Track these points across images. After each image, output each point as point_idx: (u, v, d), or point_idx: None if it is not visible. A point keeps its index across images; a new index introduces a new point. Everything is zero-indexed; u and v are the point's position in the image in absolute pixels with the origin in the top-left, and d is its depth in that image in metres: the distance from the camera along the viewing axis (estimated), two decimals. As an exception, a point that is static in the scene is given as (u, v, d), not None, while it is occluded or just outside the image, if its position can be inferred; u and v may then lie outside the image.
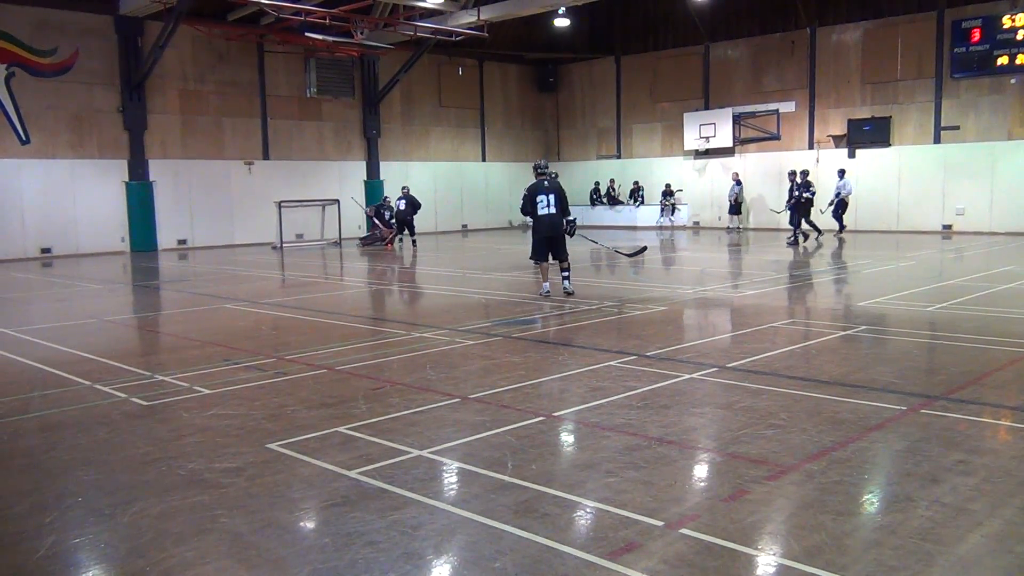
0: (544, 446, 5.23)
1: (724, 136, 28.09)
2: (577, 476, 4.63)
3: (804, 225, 21.38)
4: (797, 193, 21.25)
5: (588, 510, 4.15)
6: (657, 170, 30.67)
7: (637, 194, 30.30)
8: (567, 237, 11.71)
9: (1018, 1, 22.52)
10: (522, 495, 4.32)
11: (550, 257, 11.85)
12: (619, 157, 32.15)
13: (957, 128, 23.97)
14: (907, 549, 3.60)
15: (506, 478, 4.58)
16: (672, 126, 30.12)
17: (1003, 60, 22.81)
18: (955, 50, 23.61)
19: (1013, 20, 22.53)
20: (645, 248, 13.30)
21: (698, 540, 3.73)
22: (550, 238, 11.65)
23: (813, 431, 5.33)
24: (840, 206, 23.01)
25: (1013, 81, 22.98)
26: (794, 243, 20.79)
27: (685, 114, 29.25)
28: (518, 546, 3.71)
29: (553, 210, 11.49)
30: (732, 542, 3.70)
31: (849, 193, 23.14)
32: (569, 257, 11.90)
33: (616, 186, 31.38)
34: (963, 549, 3.62)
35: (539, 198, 11.53)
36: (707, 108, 29.01)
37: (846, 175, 23.26)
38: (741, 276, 14.44)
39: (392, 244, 23.55)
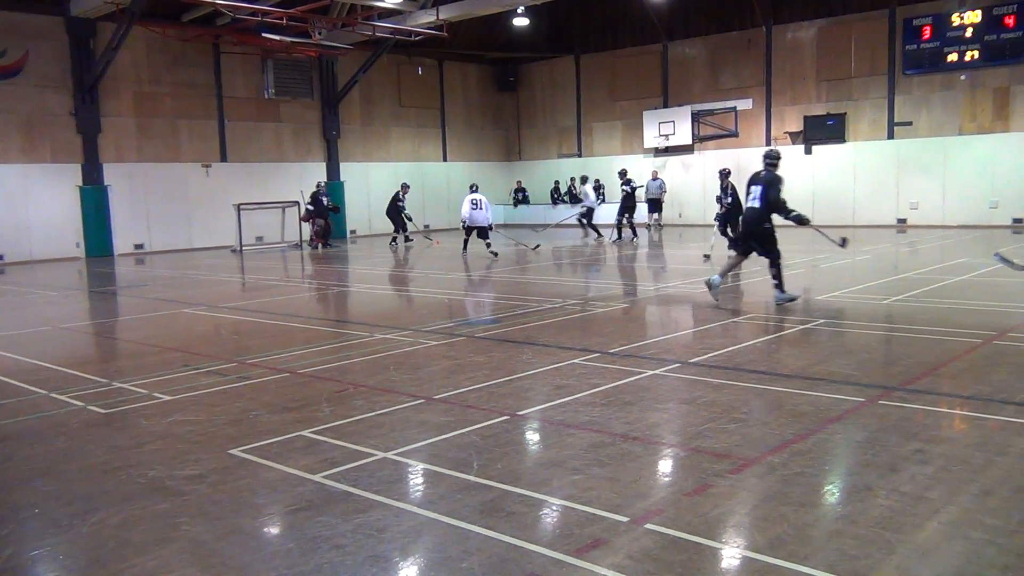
0: (509, 445, 5.23)
1: (683, 134, 28.30)
2: (543, 474, 4.65)
3: (623, 221, 22.61)
4: (627, 189, 22.74)
5: (554, 508, 4.16)
6: (618, 168, 30.76)
7: (598, 192, 30.38)
8: (770, 232, 10.48)
9: (965, 0, 23.03)
10: (488, 495, 4.32)
11: (753, 253, 10.84)
12: (580, 156, 32.26)
13: (910, 124, 24.42)
14: (867, 538, 3.67)
15: (472, 478, 4.57)
16: (632, 124, 30.29)
17: (953, 57, 23.30)
18: (907, 47, 24.06)
19: (962, 18, 23.03)
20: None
21: (663, 535, 3.76)
22: (748, 232, 10.75)
23: (774, 424, 5.40)
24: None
25: (963, 77, 23.48)
26: (618, 239, 22.18)
27: (644, 112, 29.42)
28: (485, 546, 3.71)
29: (756, 204, 10.51)
30: (696, 536, 3.74)
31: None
32: (779, 260, 10.51)
33: (577, 184, 31.44)
34: (921, 536, 3.69)
35: (751, 189, 10.69)
36: (666, 106, 29.23)
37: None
38: (700, 272, 14.55)
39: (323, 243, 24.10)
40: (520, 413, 5.92)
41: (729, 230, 17.22)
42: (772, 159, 10.70)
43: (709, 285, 10.78)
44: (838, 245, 11.32)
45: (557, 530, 3.92)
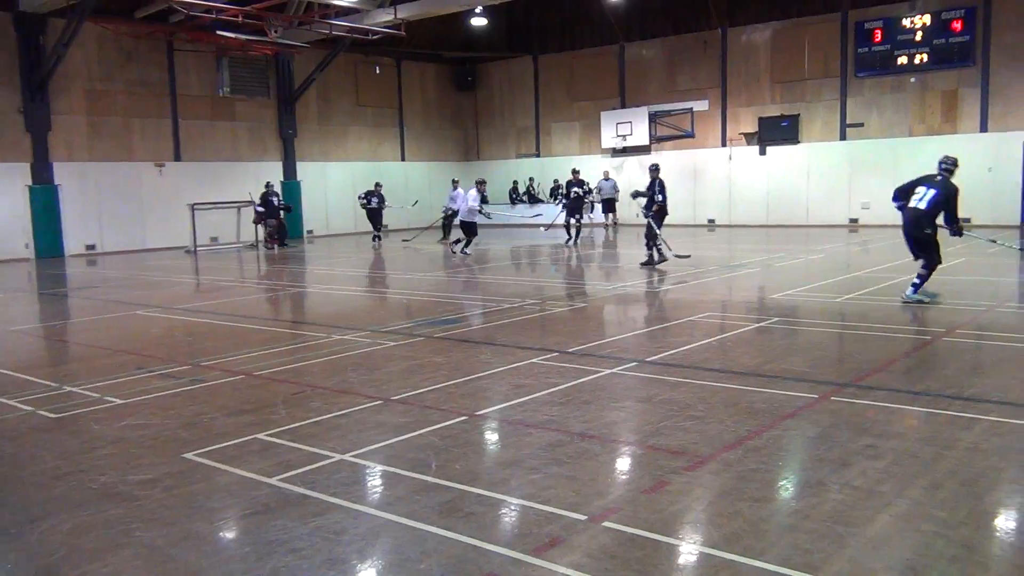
0: (468, 445, 5.23)
1: (640, 134, 28.54)
2: (501, 474, 4.65)
3: (573, 220, 22.38)
4: (579, 191, 22.83)
5: (512, 507, 4.17)
6: (576, 168, 30.93)
7: (557, 192, 30.52)
8: (937, 238, 10.23)
9: (916, 3, 23.52)
10: (446, 495, 4.32)
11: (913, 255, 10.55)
12: (538, 156, 32.34)
13: (861, 125, 24.89)
14: (820, 532, 3.73)
15: (430, 479, 4.56)
16: (590, 125, 30.45)
17: (903, 60, 23.80)
18: (859, 50, 24.52)
19: (912, 22, 23.53)
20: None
21: (621, 532, 3.79)
22: (907, 234, 10.40)
23: (730, 421, 5.46)
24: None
25: (912, 80, 23.98)
26: (573, 243, 21.78)
27: (602, 113, 29.60)
28: (443, 546, 3.70)
29: (923, 206, 10.03)
30: (654, 532, 3.77)
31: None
32: (933, 264, 10.31)
33: (536, 184, 31.54)
34: (873, 530, 3.76)
35: (918, 189, 10.24)
36: (623, 107, 29.43)
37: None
38: (657, 272, 14.68)
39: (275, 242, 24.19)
40: (478, 413, 5.91)
41: (653, 228, 15.19)
42: (949, 165, 10.16)
43: (915, 301, 10.18)
44: (1020, 249, 10.39)
45: (515, 529, 3.92)
